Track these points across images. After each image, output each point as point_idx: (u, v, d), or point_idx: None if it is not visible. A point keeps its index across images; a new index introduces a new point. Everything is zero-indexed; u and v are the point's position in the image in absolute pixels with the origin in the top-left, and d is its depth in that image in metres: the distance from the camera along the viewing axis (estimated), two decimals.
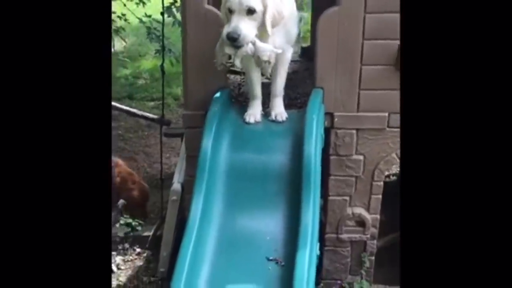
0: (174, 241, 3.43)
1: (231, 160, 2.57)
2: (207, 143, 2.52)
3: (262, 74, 2.84)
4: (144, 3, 5.92)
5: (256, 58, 2.44)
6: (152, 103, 7.24)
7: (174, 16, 5.01)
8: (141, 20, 5.33)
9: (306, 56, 3.95)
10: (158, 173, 5.23)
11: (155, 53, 5.21)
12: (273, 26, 2.43)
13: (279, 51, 2.49)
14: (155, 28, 5.22)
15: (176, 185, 3.34)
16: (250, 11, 2.38)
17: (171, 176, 4.64)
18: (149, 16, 5.38)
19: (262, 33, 2.44)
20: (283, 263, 2.28)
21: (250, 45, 2.40)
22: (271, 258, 2.30)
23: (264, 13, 2.39)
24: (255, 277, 2.26)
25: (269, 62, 2.45)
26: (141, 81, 7.84)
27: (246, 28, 2.37)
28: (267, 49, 2.43)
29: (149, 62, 8.58)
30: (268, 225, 2.41)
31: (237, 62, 2.46)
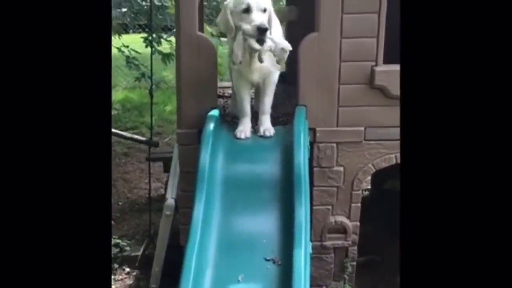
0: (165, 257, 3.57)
1: (227, 171, 2.79)
2: (205, 156, 2.73)
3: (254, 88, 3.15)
4: (120, 35, 6.15)
5: (279, 50, 2.71)
6: (125, 133, 7.39)
7: (152, 46, 5.25)
8: (119, 49, 5.53)
9: (283, 80, 4.24)
10: (138, 198, 5.37)
11: (135, 80, 5.41)
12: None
13: (276, 71, 2.85)
14: (133, 58, 5.45)
15: (170, 201, 3.50)
16: (264, 10, 2.72)
17: (153, 199, 4.79)
18: (127, 46, 5.61)
19: None
20: (280, 262, 2.48)
21: (270, 41, 2.68)
22: (268, 258, 2.50)
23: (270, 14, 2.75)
24: (256, 277, 2.45)
25: (287, 52, 2.75)
26: (113, 112, 7.96)
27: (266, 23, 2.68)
28: (283, 41, 2.75)
29: (119, 94, 8.73)
30: (263, 228, 2.62)
31: (262, 58, 2.73)
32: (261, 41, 2.67)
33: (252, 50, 2.71)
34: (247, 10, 2.69)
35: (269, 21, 2.76)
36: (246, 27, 2.68)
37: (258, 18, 2.66)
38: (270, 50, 2.71)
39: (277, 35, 2.84)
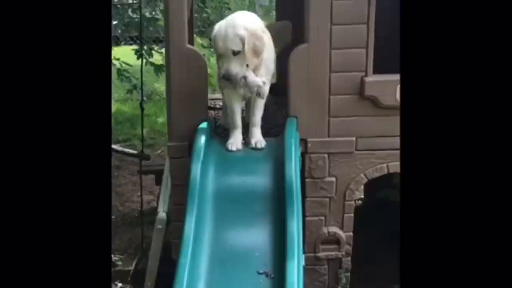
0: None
1: (218, 184, 2.78)
2: (196, 169, 2.71)
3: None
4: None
5: (253, 90, 2.82)
6: (117, 145, 7.35)
7: (143, 58, 5.25)
8: None
9: (274, 92, 4.25)
10: (130, 211, 5.32)
11: (126, 92, 5.41)
12: (257, 56, 2.77)
13: (266, 82, 2.86)
14: (124, 70, 5.44)
15: (161, 214, 3.48)
16: (234, 52, 2.72)
17: (146, 212, 4.76)
18: (118, 59, 5.60)
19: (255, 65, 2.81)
20: (273, 275, 2.46)
21: (243, 80, 2.76)
22: (261, 271, 2.48)
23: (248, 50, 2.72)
24: None
25: (258, 93, 2.83)
26: None
27: (235, 68, 2.73)
28: (256, 83, 2.80)
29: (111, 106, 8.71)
30: (256, 241, 2.60)
31: (240, 91, 2.88)
32: (232, 83, 2.79)
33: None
34: (219, 55, 2.79)
35: (246, 60, 2.75)
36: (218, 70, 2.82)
37: (226, 64, 2.74)
38: (246, 87, 2.81)
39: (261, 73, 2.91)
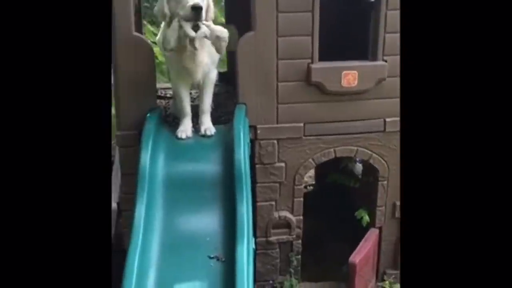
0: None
1: (168, 172, 2.78)
2: (145, 157, 2.71)
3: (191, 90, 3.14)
4: None
5: (214, 37, 2.71)
6: None
7: None
8: None
9: (224, 80, 4.27)
10: None
11: None
12: (208, 19, 2.74)
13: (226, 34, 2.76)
14: None
15: (112, 205, 3.44)
16: None
17: None
18: None
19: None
20: (223, 259, 2.50)
21: (205, 27, 2.67)
22: (212, 256, 2.52)
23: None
24: (200, 274, 2.47)
25: (224, 40, 2.73)
26: None
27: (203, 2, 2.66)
28: (220, 28, 2.73)
29: None
30: (207, 227, 2.63)
31: (197, 44, 2.72)
32: (196, 27, 2.66)
33: (187, 37, 2.69)
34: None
35: (208, 6, 2.74)
36: (181, 10, 2.66)
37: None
38: (206, 37, 2.70)
39: (204, 57, 2.87)
